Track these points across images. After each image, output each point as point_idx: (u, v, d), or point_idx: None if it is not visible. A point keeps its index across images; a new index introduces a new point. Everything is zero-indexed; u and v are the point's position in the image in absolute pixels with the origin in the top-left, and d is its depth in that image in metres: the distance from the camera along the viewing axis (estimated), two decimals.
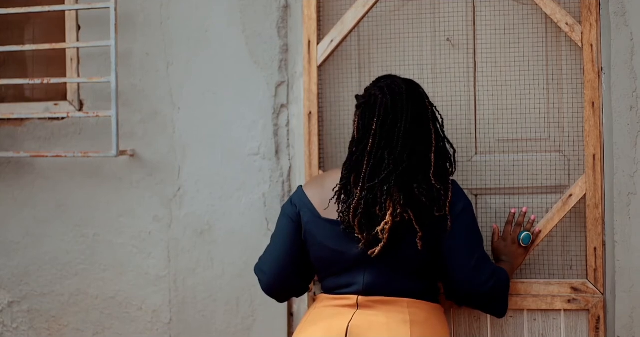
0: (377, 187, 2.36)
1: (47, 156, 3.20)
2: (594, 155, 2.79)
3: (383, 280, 2.39)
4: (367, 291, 2.39)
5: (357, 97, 2.54)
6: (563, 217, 2.82)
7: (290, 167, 3.07)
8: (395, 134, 2.39)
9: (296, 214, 2.50)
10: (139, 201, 3.20)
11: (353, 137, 2.48)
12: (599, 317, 2.78)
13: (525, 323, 2.84)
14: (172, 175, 3.16)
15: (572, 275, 2.86)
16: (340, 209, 2.40)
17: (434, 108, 2.53)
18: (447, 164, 2.53)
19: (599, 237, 2.79)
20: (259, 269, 2.59)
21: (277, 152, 3.07)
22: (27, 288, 3.31)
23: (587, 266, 2.81)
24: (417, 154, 2.41)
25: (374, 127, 2.40)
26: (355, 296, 2.41)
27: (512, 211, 2.78)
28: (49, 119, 3.30)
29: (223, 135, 3.11)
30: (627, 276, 2.74)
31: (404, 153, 2.38)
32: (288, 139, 3.07)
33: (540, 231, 2.79)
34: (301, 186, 2.57)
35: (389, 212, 2.34)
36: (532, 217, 2.78)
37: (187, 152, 3.15)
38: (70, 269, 3.27)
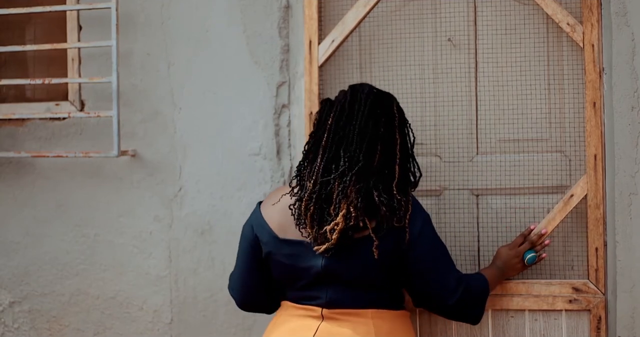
0: (332, 184, 2.30)
1: (48, 156, 3.20)
2: (595, 156, 2.79)
3: (345, 294, 2.37)
4: (330, 304, 2.38)
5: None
6: (564, 217, 2.82)
7: (291, 168, 3.06)
8: (350, 130, 2.35)
9: (254, 237, 2.48)
10: (139, 201, 3.19)
11: (310, 134, 2.46)
12: (600, 317, 2.77)
13: (526, 323, 2.84)
14: (172, 175, 3.16)
15: (573, 275, 2.85)
16: (294, 202, 2.37)
17: (406, 126, 2.47)
18: (411, 178, 2.47)
19: (600, 237, 2.79)
20: (230, 288, 2.63)
21: (278, 152, 3.06)
22: (27, 288, 3.30)
23: (588, 266, 2.81)
24: (377, 159, 2.34)
25: (329, 122, 2.38)
26: (320, 308, 2.40)
27: (532, 226, 2.77)
28: (50, 119, 3.30)
29: (224, 136, 3.11)
30: (628, 276, 2.74)
31: (359, 151, 2.32)
32: (289, 139, 3.07)
33: (546, 257, 2.79)
34: (259, 204, 2.52)
35: (341, 213, 2.27)
36: (547, 241, 2.77)
37: (188, 152, 3.15)
38: (70, 269, 3.26)
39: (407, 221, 2.34)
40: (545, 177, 2.88)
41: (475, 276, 2.55)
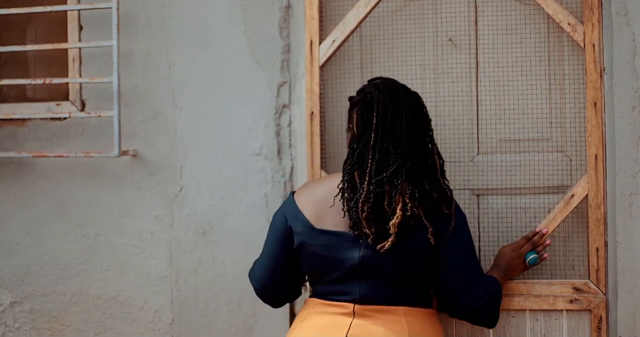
0: (386, 181, 2.33)
1: (48, 156, 3.20)
2: (596, 156, 2.79)
3: (379, 289, 2.36)
4: (364, 299, 2.36)
5: (350, 98, 2.52)
6: (565, 217, 2.82)
7: (292, 168, 3.06)
8: (397, 127, 2.37)
9: (286, 226, 2.46)
10: (140, 201, 3.19)
11: (353, 135, 2.44)
12: (601, 317, 2.77)
13: (527, 323, 2.84)
14: (173, 175, 3.16)
15: (574, 275, 2.85)
16: (346, 206, 2.36)
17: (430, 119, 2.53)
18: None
19: (601, 237, 2.79)
20: (251, 275, 2.60)
21: (279, 152, 3.06)
22: (28, 288, 3.30)
23: (589, 266, 2.81)
24: (421, 152, 2.40)
25: (374, 122, 2.37)
26: (352, 304, 2.37)
27: (537, 229, 2.77)
28: (51, 119, 3.30)
29: (225, 136, 3.11)
30: (629, 276, 2.74)
31: (409, 146, 2.36)
32: (290, 139, 3.07)
33: (547, 256, 2.79)
34: (292, 194, 2.50)
35: (399, 207, 2.30)
36: (548, 241, 2.77)
37: (189, 152, 3.15)
38: (71, 269, 3.26)
39: (452, 209, 2.39)
40: (546, 177, 2.88)
41: (493, 280, 2.55)
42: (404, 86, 2.49)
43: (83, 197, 3.26)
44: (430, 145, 2.44)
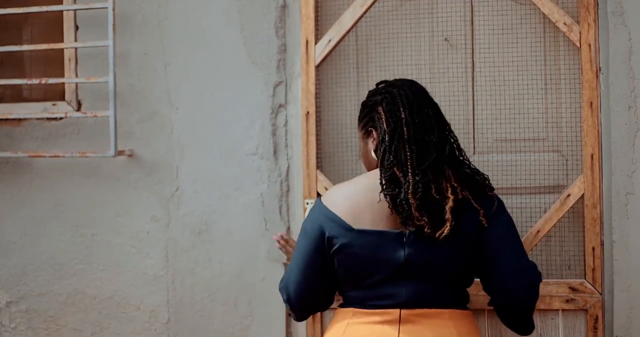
0: (430, 169, 2.25)
1: (45, 156, 3.20)
2: (592, 155, 2.79)
3: (425, 290, 2.23)
4: (410, 303, 2.22)
5: (367, 102, 2.41)
6: (561, 217, 2.82)
7: (288, 167, 3.06)
8: (427, 119, 2.30)
9: (320, 234, 2.28)
10: (137, 200, 3.19)
11: (382, 133, 2.31)
12: (597, 317, 2.77)
13: None
14: (170, 175, 3.16)
15: (570, 275, 2.86)
16: (392, 202, 2.23)
17: None
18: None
19: (597, 237, 2.79)
20: (284, 289, 2.39)
21: (275, 152, 3.06)
22: (24, 288, 3.30)
23: (585, 265, 2.81)
24: (452, 140, 2.36)
25: (403, 116, 2.28)
26: (397, 310, 2.21)
27: None
28: (47, 119, 3.30)
29: (221, 135, 3.11)
30: (625, 275, 2.74)
31: (442, 135, 2.31)
32: (286, 139, 3.07)
33: None
34: (320, 200, 2.34)
35: (449, 192, 2.23)
36: None
37: (185, 152, 3.15)
38: (68, 269, 3.26)
39: (494, 191, 2.33)
40: (542, 177, 2.88)
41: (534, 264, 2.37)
42: (415, 82, 2.45)
43: (79, 197, 3.26)
44: (455, 136, 2.39)
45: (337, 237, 2.26)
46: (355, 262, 2.25)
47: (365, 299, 2.26)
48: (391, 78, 2.93)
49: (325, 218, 2.28)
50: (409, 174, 2.23)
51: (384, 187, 2.25)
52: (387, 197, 2.24)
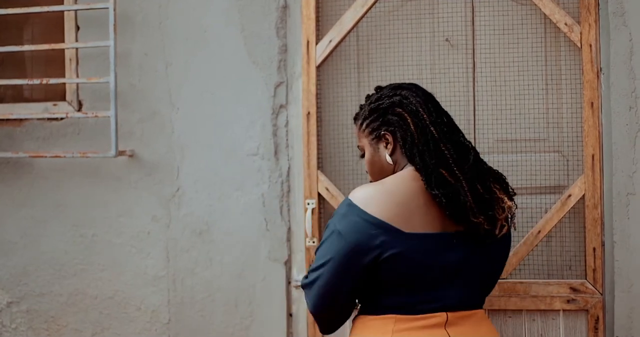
0: (471, 169, 2.18)
1: (45, 156, 3.20)
2: (592, 156, 2.79)
3: (469, 292, 2.16)
4: (457, 305, 2.13)
5: (379, 107, 2.26)
6: (562, 217, 2.82)
7: (289, 168, 3.06)
8: (448, 119, 2.25)
9: (360, 239, 2.08)
10: (137, 201, 3.19)
11: (410, 134, 2.19)
12: (597, 317, 2.77)
13: (524, 323, 2.84)
14: (170, 175, 3.16)
15: (571, 275, 2.85)
16: (449, 203, 2.12)
17: None
18: None
19: (598, 237, 2.79)
20: (318, 310, 2.18)
21: (276, 152, 3.06)
22: (25, 288, 3.30)
23: (586, 266, 2.81)
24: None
25: (425, 116, 2.20)
26: (444, 313, 2.11)
27: None
28: (48, 119, 3.30)
29: (222, 136, 3.11)
30: (625, 276, 2.74)
31: (464, 135, 2.27)
32: (287, 139, 3.07)
33: None
34: (355, 204, 2.11)
35: (498, 191, 2.19)
36: None
37: (186, 153, 3.15)
38: (68, 269, 3.26)
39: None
40: (542, 178, 2.88)
41: None
42: (418, 85, 2.37)
43: (80, 198, 3.26)
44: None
45: (387, 243, 2.07)
46: (407, 267, 2.09)
47: (409, 304, 2.12)
48: (392, 78, 2.95)
49: (369, 224, 2.08)
50: (458, 174, 2.15)
51: (437, 188, 2.13)
52: (443, 197, 2.12)
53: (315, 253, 2.15)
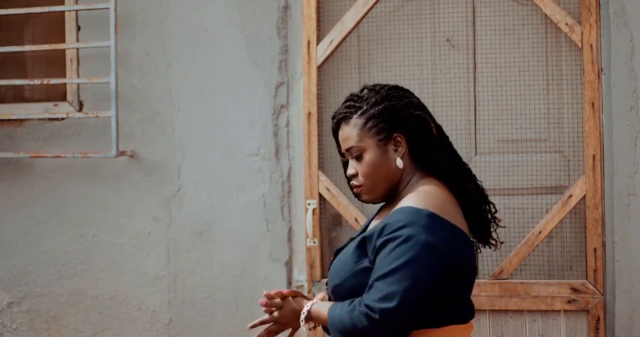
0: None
1: (46, 157, 3.20)
2: (593, 156, 2.79)
3: None
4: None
5: (391, 106, 2.04)
6: (563, 217, 2.81)
7: (290, 168, 3.06)
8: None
9: (451, 251, 1.93)
10: (138, 201, 3.19)
11: (433, 140, 2.04)
12: (598, 317, 2.77)
13: (525, 324, 2.83)
14: (171, 175, 3.16)
15: (571, 276, 2.85)
16: (484, 219, 2.09)
17: None
18: None
19: (599, 237, 2.79)
20: (407, 315, 1.90)
21: (276, 152, 3.06)
22: (26, 288, 3.30)
23: (586, 266, 2.80)
24: None
25: (430, 120, 2.07)
26: (472, 318, 2.05)
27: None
28: (49, 119, 3.30)
29: (222, 136, 3.11)
30: (626, 276, 2.74)
31: None
32: (288, 140, 3.06)
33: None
34: (435, 215, 1.94)
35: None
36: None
37: (187, 153, 3.14)
38: (69, 269, 3.26)
39: None
40: (543, 178, 2.88)
41: None
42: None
43: (81, 198, 3.25)
44: None
45: (467, 252, 1.98)
46: (471, 275, 2.02)
47: (461, 313, 2.01)
48: (393, 78, 2.95)
49: (455, 235, 1.96)
50: (480, 187, 2.09)
51: (471, 197, 2.05)
52: (487, 213, 2.09)
53: (392, 269, 1.87)
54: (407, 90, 2.10)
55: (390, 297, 1.86)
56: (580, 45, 2.80)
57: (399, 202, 1.99)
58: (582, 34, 2.80)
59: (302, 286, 3.02)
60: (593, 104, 2.79)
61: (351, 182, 2.04)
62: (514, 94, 2.90)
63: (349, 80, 3.02)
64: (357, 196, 2.06)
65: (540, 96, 2.89)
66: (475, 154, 2.92)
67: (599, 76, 2.79)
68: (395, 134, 2.01)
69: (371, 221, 2.12)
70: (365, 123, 2.02)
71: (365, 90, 2.08)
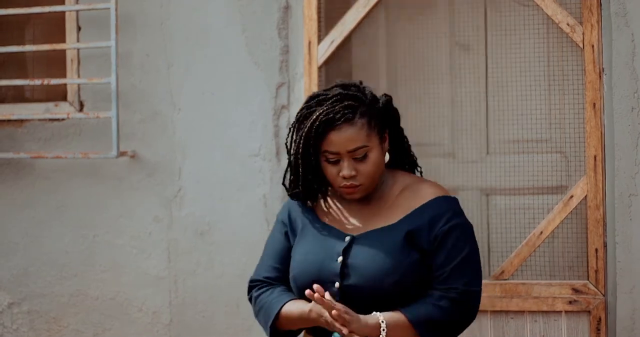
0: None
1: (47, 157, 3.20)
2: (595, 157, 2.79)
3: None
4: None
5: (386, 105, 2.09)
6: (564, 218, 2.81)
7: None
8: None
9: None
10: (138, 201, 3.19)
11: (401, 134, 2.15)
12: (600, 318, 2.77)
13: (526, 324, 2.83)
14: (172, 176, 3.16)
15: (573, 276, 2.85)
16: None
17: None
18: None
19: (600, 238, 2.78)
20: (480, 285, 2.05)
21: (277, 153, 3.06)
22: (26, 289, 3.30)
23: (588, 267, 2.80)
24: None
25: None
26: None
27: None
28: (49, 119, 3.29)
29: (223, 136, 3.10)
30: (628, 277, 2.73)
31: None
32: None
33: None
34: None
35: None
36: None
37: (187, 153, 3.14)
38: (70, 270, 3.26)
39: None
40: (545, 178, 2.88)
41: None
42: None
43: (81, 198, 3.25)
44: None
45: None
46: None
47: None
48: (393, 79, 2.95)
49: None
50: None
51: None
52: None
53: (465, 256, 1.98)
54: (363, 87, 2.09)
55: (475, 281, 1.99)
56: (581, 45, 2.80)
57: (400, 192, 2.06)
58: (583, 34, 2.79)
59: None
60: (594, 104, 2.79)
61: (344, 183, 2.00)
62: (516, 95, 2.90)
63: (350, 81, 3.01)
64: (345, 194, 2.03)
65: (542, 97, 2.89)
66: (487, 153, 2.91)
67: (600, 76, 2.78)
68: (384, 132, 2.06)
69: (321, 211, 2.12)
70: (370, 123, 2.01)
71: (353, 88, 2.05)
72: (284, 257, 2.12)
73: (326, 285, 1.96)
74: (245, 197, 3.08)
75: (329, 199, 2.13)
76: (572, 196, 2.80)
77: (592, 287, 2.79)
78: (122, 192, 3.21)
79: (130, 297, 3.20)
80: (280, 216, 2.19)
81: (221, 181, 3.11)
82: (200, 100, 3.13)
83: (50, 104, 3.35)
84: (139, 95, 3.19)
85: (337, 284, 1.97)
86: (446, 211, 2.00)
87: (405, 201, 2.04)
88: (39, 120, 3.30)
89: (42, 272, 3.29)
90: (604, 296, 2.78)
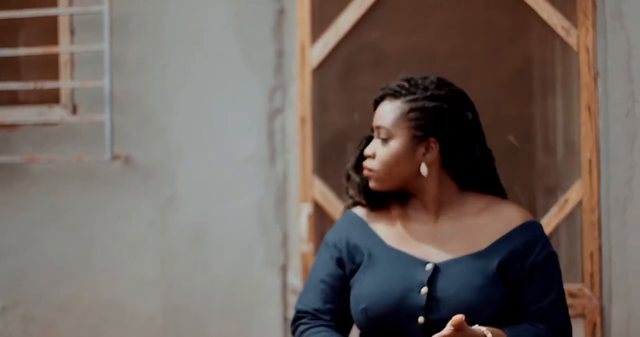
0: None
1: (41, 161, 3.19)
2: (590, 160, 2.78)
3: None
4: None
5: (440, 108, 1.87)
6: (559, 221, 2.81)
7: (285, 172, 3.05)
8: None
9: None
10: (133, 205, 3.18)
11: (481, 149, 1.93)
12: (595, 323, 2.76)
13: None
14: (166, 180, 3.15)
15: (568, 280, 2.83)
16: None
17: None
18: None
19: (595, 242, 2.78)
20: None
21: (272, 157, 3.05)
22: (20, 293, 3.29)
23: (583, 271, 2.80)
24: None
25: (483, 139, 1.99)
26: None
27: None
28: (43, 123, 3.28)
29: (217, 140, 3.10)
30: (623, 281, 2.73)
31: None
32: (283, 144, 3.05)
33: None
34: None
35: None
36: None
37: (182, 157, 3.13)
38: (64, 273, 3.25)
39: None
40: (539, 182, 2.87)
41: None
42: None
43: (76, 202, 3.24)
44: None
45: None
46: None
47: None
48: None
49: None
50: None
51: None
52: None
53: (559, 291, 1.84)
54: (471, 101, 1.90)
55: (568, 318, 1.85)
56: (576, 48, 2.80)
57: (477, 212, 1.86)
58: (578, 37, 2.79)
59: (297, 290, 3.02)
60: (589, 107, 2.78)
61: (364, 162, 1.90)
62: (510, 98, 2.89)
63: (345, 84, 3.00)
64: (363, 180, 1.91)
65: (537, 99, 2.88)
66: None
67: (595, 79, 2.78)
68: (431, 138, 1.84)
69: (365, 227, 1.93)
70: (408, 112, 1.84)
71: (429, 80, 1.90)
72: (336, 287, 1.89)
73: (406, 319, 1.78)
74: (239, 202, 3.07)
75: (393, 219, 1.91)
76: (567, 200, 2.80)
77: (587, 291, 2.78)
78: (116, 196, 3.20)
79: (124, 301, 3.19)
80: (331, 239, 1.94)
81: (215, 185, 3.10)
82: (194, 104, 3.12)
83: (44, 107, 3.34)
84: (133, 98, 3.18)
85: (420, 319, 1.77)
86: (539, 239, 1.83)
87: (488, 224, 1.84)
88: (33, 124, 3.29)
89: (36, 276, 3.27)
90: (599, 300, 2.77)
